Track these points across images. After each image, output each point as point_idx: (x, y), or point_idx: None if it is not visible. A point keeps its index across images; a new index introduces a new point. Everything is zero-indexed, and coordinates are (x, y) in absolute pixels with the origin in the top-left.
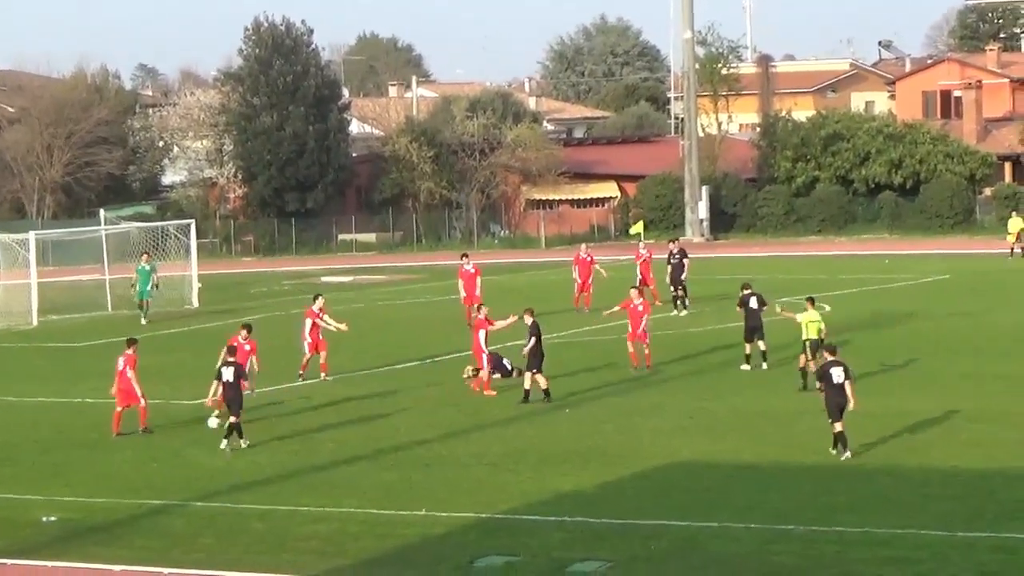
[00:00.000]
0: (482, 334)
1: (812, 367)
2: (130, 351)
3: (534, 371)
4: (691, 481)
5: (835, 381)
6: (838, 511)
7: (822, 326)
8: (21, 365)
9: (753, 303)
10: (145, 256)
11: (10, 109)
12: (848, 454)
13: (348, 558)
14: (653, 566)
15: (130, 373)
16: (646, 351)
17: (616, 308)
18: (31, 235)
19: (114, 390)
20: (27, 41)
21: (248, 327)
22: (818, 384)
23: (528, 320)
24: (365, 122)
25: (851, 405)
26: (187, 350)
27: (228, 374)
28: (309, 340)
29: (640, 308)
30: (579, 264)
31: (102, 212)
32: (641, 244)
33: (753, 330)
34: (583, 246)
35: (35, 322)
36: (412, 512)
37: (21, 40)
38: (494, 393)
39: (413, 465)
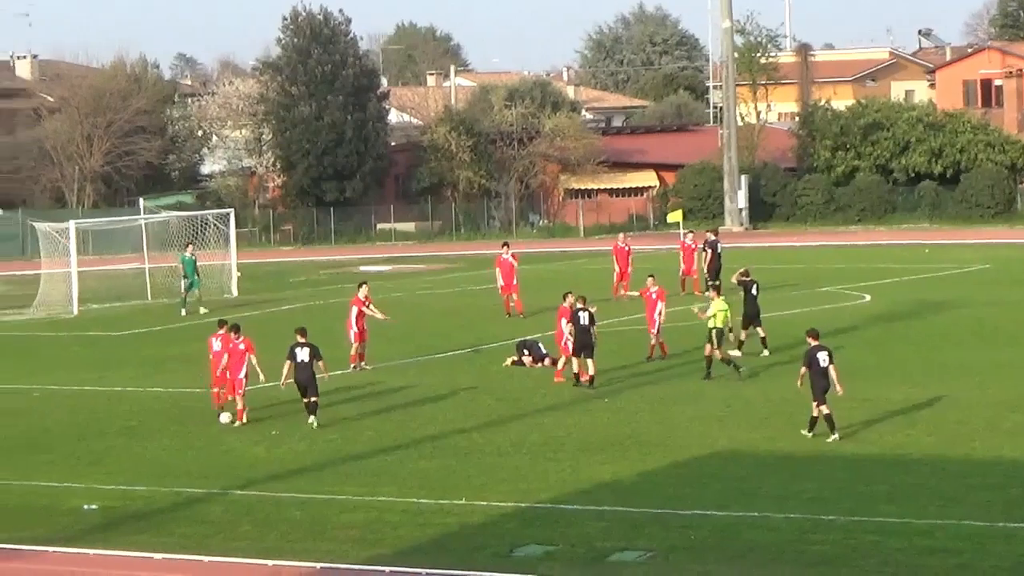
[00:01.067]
0: (563, 322)
1: (718, 355)
2: (233, 335)
3: (580, 355)
4: (729, 470)
5: (821, 365)
6: (877, 500)
7: (728, 315)
8: (61, 353)
9: (754, 290)
10: (190, 247)
11: (49, 99)
12: (836, 436)
13: (387, 547)
14: (692, 555)
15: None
16: (652, 341)
17: (634, 292)
18: (71, 224)
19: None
20: (66, 31)
21: (236, 327)
22: (802, 369)
23: (570, 302)
24: (403, 111)
25: (837, 390)
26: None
27: (303, 354)
28: (355, 329)
29: (653, 295)
30: (617, 253)
31: (141, 201)
32: (688, 233)
33: (752, 317)
34: (621, 235)
35: (75, 311)
36: (451, 501)
37: (60, 30)
38: (564, 380)
39: (452, 454)
